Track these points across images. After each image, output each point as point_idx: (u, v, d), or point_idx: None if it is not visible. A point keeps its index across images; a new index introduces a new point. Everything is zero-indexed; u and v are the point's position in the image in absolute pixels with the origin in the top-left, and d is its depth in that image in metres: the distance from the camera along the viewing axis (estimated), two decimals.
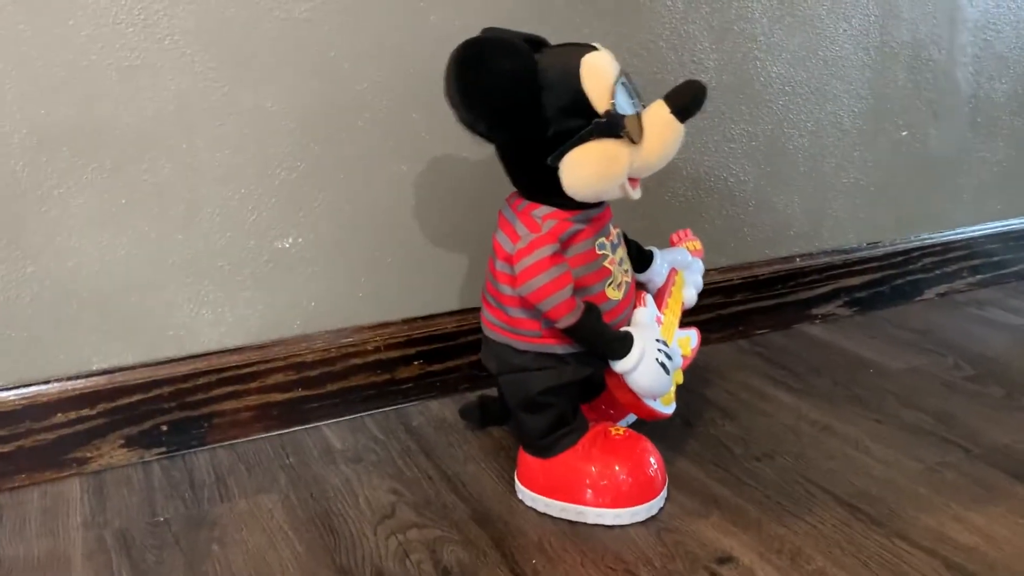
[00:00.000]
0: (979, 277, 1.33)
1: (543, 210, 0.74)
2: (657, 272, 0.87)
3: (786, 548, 0.72)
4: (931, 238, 1.28)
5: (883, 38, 1.16)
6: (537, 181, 0.74)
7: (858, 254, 1.23)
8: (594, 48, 0.72)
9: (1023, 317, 1.21)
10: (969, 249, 1.31)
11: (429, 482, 0.84)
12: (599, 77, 0.70)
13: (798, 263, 1.18)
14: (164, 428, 0.90)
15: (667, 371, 0.74)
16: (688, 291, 0.88)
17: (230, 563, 0.73)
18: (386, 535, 0.76)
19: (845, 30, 1.14)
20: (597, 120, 0.70)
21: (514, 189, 0.78)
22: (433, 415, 0.97)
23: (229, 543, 0.76)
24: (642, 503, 0.76)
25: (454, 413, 0.97)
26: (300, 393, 0.94)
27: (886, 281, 1.25)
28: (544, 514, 0.78)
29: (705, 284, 1.10)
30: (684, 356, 0.83)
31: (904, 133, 1.22)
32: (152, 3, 0.81)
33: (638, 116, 0.72)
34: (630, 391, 0.75)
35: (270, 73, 0.86)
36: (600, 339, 0.73)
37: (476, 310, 1.00)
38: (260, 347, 0.92)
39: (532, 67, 0.69)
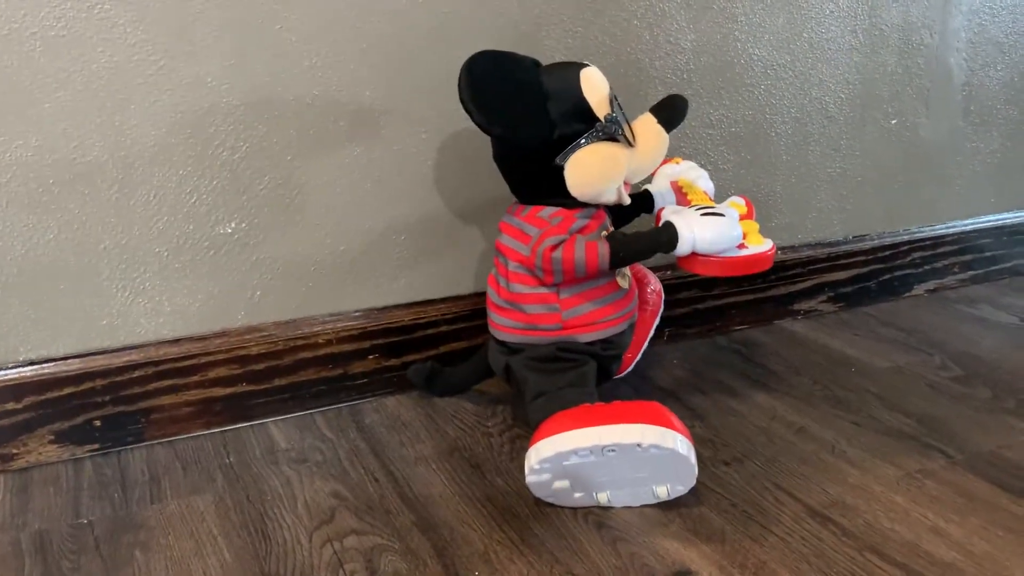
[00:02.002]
0: (970, 273, 1.27)
1: (548, 210, 0.79)
2: (662, 196, 0.88)
3: (750, 562, 0.67)
4: (920, 231, 1.22)
5: (872, 20, 1.11)
6: (541, 182, 0.79)
7: (843, 247, 1.17)
8: (587, 64, 0.79)
9: (1015, 315, 1.16)
10: (960, 244, 1.25)
11: (375, 484, 0.79)
12: (597, 87, 0.77)
13: (780, 256, 1.13)
14: (97, 423, 0.84)
15: (723, 216, 0.74)
16: (701, 183, 0.88)
17: (151, 571, 0.68)
18: (321, 542, 0.70)
19: (832, 11, 1.08)
20: (599, 124, 0.76)
21: (513, 201, 0.83)
22: (388, 412, 0.92)
23: (153, 548, 0.70)
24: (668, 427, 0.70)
25: (410, 410, 0.92)
26: (244, 388, 0.89)
27: (873, 276, 1.20)
28: (492, 522, 0.72)
29: (681, 278, 1.05)
30: (737, 208, 0.80)
31: (893, 121, 1.17)
32: None
33: (629, 125, 0.78)
34: (712, 258, 0.75)
35: (211, 46, 0.81)
36: (644, 243, 0.77)
37: (435, 302, 0.96)
38: (201, 339, 0.87)
39: (538, 77, 0.78)
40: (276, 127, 0.85)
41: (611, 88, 0.79)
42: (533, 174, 0.79)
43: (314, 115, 0.86)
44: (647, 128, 0.79)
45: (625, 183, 0.81)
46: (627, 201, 0.82)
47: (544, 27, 0.93)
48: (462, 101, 0.75)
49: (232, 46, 0.82)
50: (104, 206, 0.81)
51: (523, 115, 0.76)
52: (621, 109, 0.78)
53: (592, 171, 0.77)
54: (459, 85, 0.75)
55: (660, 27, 0.99)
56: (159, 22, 0.79)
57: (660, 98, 1.00)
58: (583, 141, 0.76)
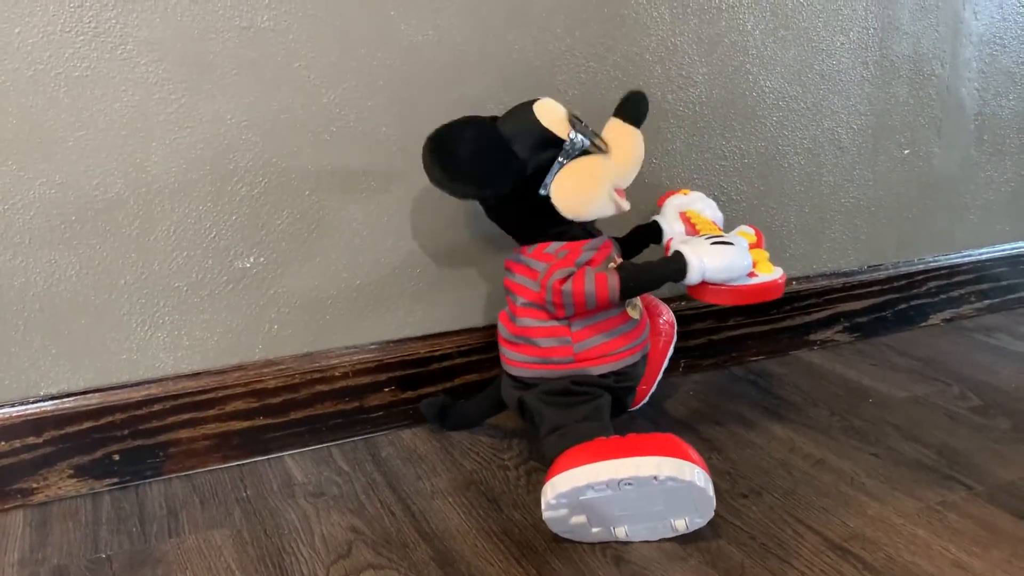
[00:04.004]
0: (987, 302, 1.27)
1: (554, 245, 0.80)
2: (671, 227, 0.88)
3: None
4: (936, 261, 1.22)
5: (883, 52, 1.11)
6: (535, 220, 0.80)
7: (859, 277, 1.17)
8: (536, 99, 0.80)
9: None
10: (976, 272, 1.25)
11: (392, 518, 0.79)
12: (553, 112, 0.79)
13: (795, 286, 1.13)
14: (116, 457, 0.85)
15: (732, 244, 0.75)
16: (709, 213, 0.88)
17: None
18: None
19: (843, 43, 1.09)
20: (565, 144, 0.78)
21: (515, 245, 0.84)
22: (404, 445, 0.92)
23: None
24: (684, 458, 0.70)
25: (426, 443, 0.92)
26: (261, 421, 0.89)
27: (888, 306, 1.19)
28: (510, 556, 0.72)
29: (696, 308, 1.05)
30: (746, 237, 0.80)
31: (906, 151, 1.17)
32: (103, 11, 0.77)
33: (598, 135, 0.79)
34: (723, 287, 0.75)
35: (230, 84, 0.82)
36: (654, 273, 0.77)
37: (450, 334, 0.96)
38: (219, 372, 0.88)
39: (493, 128, 0.79)
40: (294, 163, 0.86)
41: (569, 109, 0.80)
42: (526, 215, 0.81)
43: (331, 151, 0.87)
44: (616, 131, 0.80)
45: (618, 190, 0.81)
46: (626, 207, 0.81)
47: (557, 63, 0.94)
48: (435, 180, 0.77)
49: (251, 84, 0.83)
50: (125, 242, 0.82)
51: (494, 167, 0.78)
52: (582, 123, 0.79)
53: (576, 188, 0.78)
54: (425, 166, 0.77)
55: (672, 61, 1.00)
56: (179, 62, 0.80)
57: (672, 130, 1.01)
58: (557, 165, 0.78)
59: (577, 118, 0.80)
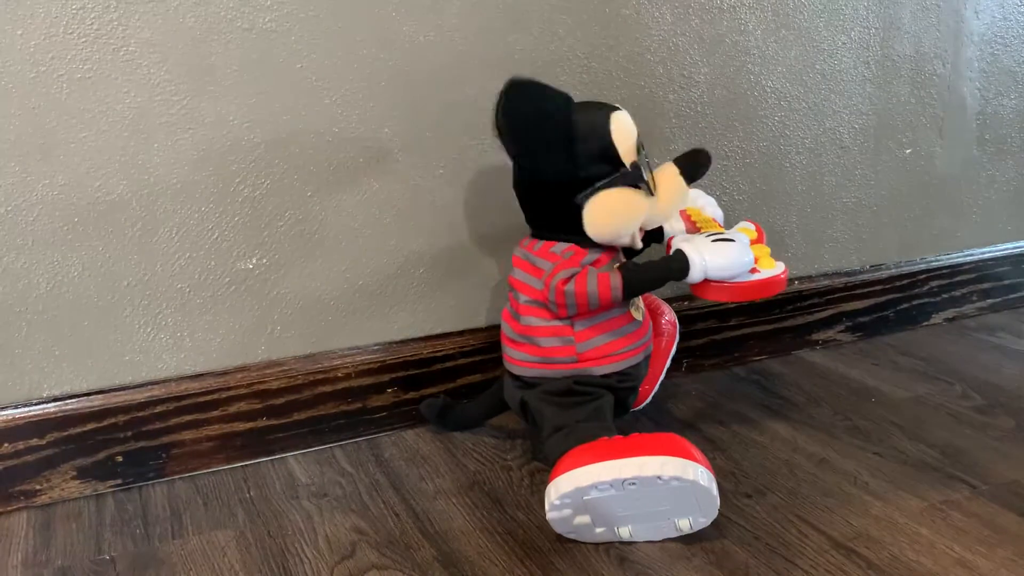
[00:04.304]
0: (989, 301, 1.27)
1: (561, 246, 0.79)
2: (671, 225, 0.88)
3: None
4: (938, 260, 1.22)
5: (884, 52, 1.11)
6: (559, 218, 0.79)
7: (861, 277, 1.17)
8: (618, 108, 0.79)
9: None
10: (978, 272, 1.25)
11: (395, 519, 0.78)
12: (626, 133, 0.78)
13: (797, 286, 1.13)
14: (119, 459, 0.85)
15: (733, 241, 0.75)
16: (710, 211, 0.88)
17: None
18: None
19: (844, 43, 1.09)
20: (624, 170, 0.77)
21: (526, 235, 0.83)
22: (407, 446, 0.92)
23: None
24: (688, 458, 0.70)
25: (429, 443, 0.92)
26: (265, 423, 0.89)
27: (890, 305, 1.19)
28: (514, 556, 0.72)
29: (698, 308, 1.05)
30: (747, 233, 0.80)
31: (908, 151, 1.17)
32: (105, 12, 0.77)
33: (652, 173, 0.79)
34: (725, 284, 0.75)
35: (232, 85, 0.82)
36: (656, 272, 0.77)
37: (452, 335, 0.96)
38: (222, 374, 0.88)
39: (569, 114, 0.77)
40: (296, 164, 0.86)
41: (639, 135, 0.79)
42: (551, 209, 0.79)
43: (333, 151, 0.87)
44: (669, 179, 0.79)
45: (640, 229, 0.81)
46: (639, 246, 0.82)
47: (559, 63, 0.94)
48: (495, 126, 0.76)
49: (253, 85, 0.83)
50: (127, 243, 0.82)
51: (550, 150, 0.77)
52: (647, 157, 0.78)
53: (612, 215, 0.77)
54: (494, 110, 0.76)
55: (674, 61, 1.00)
56: (182, 63, 0.80)
57: (673, 130, 1.01)
58: (605, 184, 0.77)
59: (643, 149, 0.79)
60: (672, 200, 0.80)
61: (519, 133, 0.77)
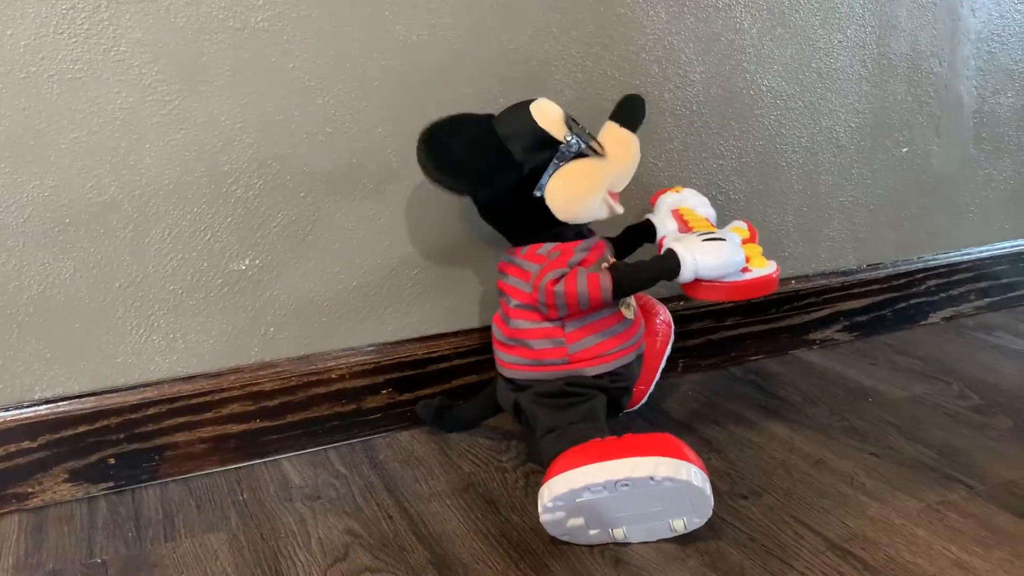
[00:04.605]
0: (987, 300, 1.26)
1: (547, 247, 0.80)
2: (663, 225, 0.88)
3: None
4: (935, 259, 1.22)
5: (880, 50, 1.11)
6: (529, 221, 0.80)
7: (858, 276, 1.16)
8: (534, 99, 0.80)
9: None
10: (976, 271, 1.24)
11: (389, 521, 0.78)
12: (550, 114, 0.79)
13: (793, 285, 1.12)
14: (112, 461, 0.84)
15: (724, 240, 0.75)
16: (702, 210, 0.88)
17: None
18: None
19: (840, 41, 1.08)
20: (561, 146, 0.77)
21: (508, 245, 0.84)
22: (402, 448, 0.92)
23: None
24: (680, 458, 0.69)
25: (424, 445, 0.92)
26: (258, 424, 0.89)
27: (888, 305, 1.19)
28: (508, 559, 0.72)
29: (694, 308, 1.05)
30: (739, 232, 0.80)
31: (905, 149, 1.17)
32: (96, 12, 0.77)
33: (593, 138, 0.79)
34: (717, 284, 0.75)
35: (224, 85, 0.82)
36: (647, 272, 0.77)
37: (447, 335, 0.96)
38: (215, 375, 0.87)
39: (489, 126, 0.79)
40: (289, 164, 0.86)
41: (565, 111, 0.79)
42: (519, 215, 0.80)
43: (327, 152, 0.87)
44: (612, 135, 0.80)
45: (612, 193, 0.81)
46: (619, 210, 0.82)
47: (553, 63, 0.94)
48: (428, 174, 0.78)
49: (245, 85, 0.83)
50: (119, 245, 0.82)
51: (489, 167, 0.78)
52: (579, 125, 0.79)
53: (571, 191, 0.78)
54: (419, 160, 0.77)
55: (669, 60, 0.99)
56: (173, 63, 0.80)
57: (669, 129, 1.01)
58: (552, 167, 0.78)
59: (574, 120, 0.79)
60: (624, 152, 0.80)
61: (454, 169, 0.78)
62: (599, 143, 0.79)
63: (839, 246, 1.15)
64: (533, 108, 0.79)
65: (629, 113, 0.81)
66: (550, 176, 0.78)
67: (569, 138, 0.77)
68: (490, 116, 0.81)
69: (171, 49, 0.80)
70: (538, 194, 0.78)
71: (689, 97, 1.02)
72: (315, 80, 0.85)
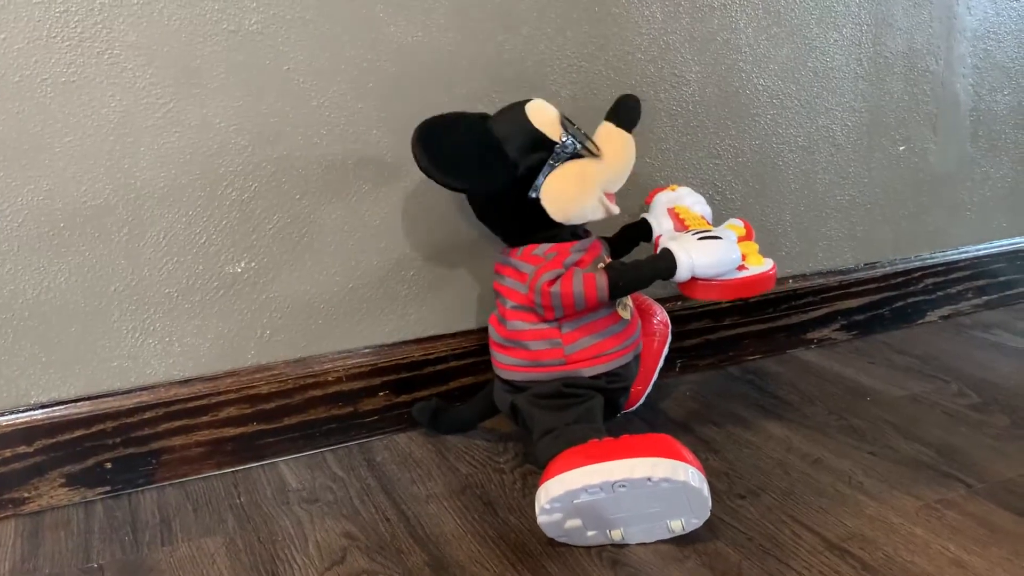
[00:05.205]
0: (985, 298, 1.26)
1: (542, 247, 0.80)
2: (659, 224, 0.88)
3: None
4: (932, 258, 1.22)
5: (876, 48, 1.11)
6: (524, 221, 0.80)
7: (855, 275, 1.16)
8: (530, 99, 0.80)
9: None
10: (974, 269, 1.24)
11: (386, 524, 0.78)
12: (545, 113, 0.79)
13: (791, 285, 1.12)
14: (108, 465, 0.84)
15: (720, 238, 0.75)
16: (698, 209, 0.88)
17: None
18: None
19: (836, 40, 1.08)
20: (557, 146, 0.77)
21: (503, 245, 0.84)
22: (399, 450, 0.91)
23: None
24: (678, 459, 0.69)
25: (421, 447, 0.91)
26: (255, 427, 0.88)
27: (885, 303, 1.19)
28: (505, 560, 0.71)
29: (692, 307, 1.05)
30: (735, 230, 0.80)
31: (902, 148, 1.16)
32: (89, 16, 0.77)
33: (590, 138, 0.79)
34: (713, 282, 0.75)
35: (218, 88, 0.82)
36: (643, 272, 0.77)
37: (444, 337, 0.96)
38: (211, 379, 0.87)
39: (485, 126, 0.79)
40: (284, 166, 0.86)
41: (560, 111, 0.79)
42: (514, 216, 0.80)
43: (322, 154, 0.87)
44: (608, 135, 0.80)
45: (608, 194, 0.81)
46: (615, 211, 0.81)
47: (548, 63, 0.94)
48: (423, 170, 0.76)
49: (239, 88, 0.82)
50: (114, 248, 0.82)
51: (484, 166, 0.78)
52: (574, 125, 0.79)
53: (566, 192, 0.78)
54: (415, 156, 0.76)
55: (664, 60, 0.99)
56: (167, 66, 0.80)
57: (665, 129, 1.00)
58: (548, 168, 0.77)
59: (569, 120, 0.79)
60: (619, 153, 0.80)
61: (449, 167, 0.77)
62: (595, 144, 0.79)
63: (836, 245, 1.15)
64: (528, 108, 0.79)
65: (625, 113, 0.81)
66: (545, 177, 0.78)
67: (564, 139, 0.77)
68: (485, 116, 0.81)
69: (165, 52, 0.79)
70: (533, 195, 0.78)
71: (685, 97, 1.01)
72: (310, 82, 0.85)
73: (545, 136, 0.78)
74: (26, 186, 0.78)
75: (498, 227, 0.83)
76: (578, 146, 0.78)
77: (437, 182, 0.78)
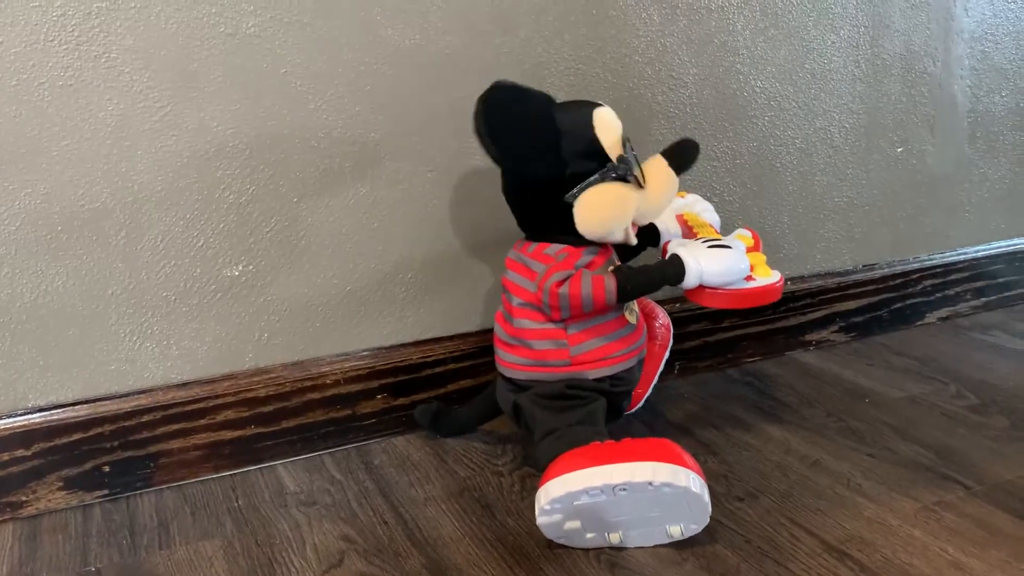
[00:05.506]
0: (983, 300, 1.26)
1: (554, 247, 0.79)
2: (668, 230, 0.87)
3: None
4: (931, 259, 1.22)
5: (874, 50, 1.11)
6: (550, 219, 0.79)
7: (853, 277, 1.16)
8: (601, 104, 0.79)
9: None
10: (972, 270, 1.24)
11: (384, 527, 0.78)
12: (610, 128, 0.77)
13: (790, 287, 1.12)
14: (106, 469, 0.84)
15: (730, 248, 0.75)
16: (707, 216, 0.87)
17: None
18: None
19: (834, 42, 1.08)
20: (611, 164, 0.76)
21: (520, 237, 0.83)
22: (397, 453, 0.91)
23: None
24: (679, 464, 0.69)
25: (419, 450, 0.91)
26: (253, 431, 0.88)
27: (884, 305, 1.19)
28: (503, 563, 0.71)
29: (691, 310, 1.05)
30: (743, 241, 0.80)
31: (899, 149, 1.17)
32: (86, 19, 0.76)
33: (640, 166, 0.78)
34: (720, 291, 0.75)
35: (216, 91, 0.82)
36: (651, 277, 0.77)
37: (443, 339, 0.96)
38: (209, 382, 0.87)
39: (552, 114, 0.77)
40: (282, 170, 0.86)
41: (624, 129, 0.78)
42: (542, 210, 0.79)
43: (319, 157, 0.87)
44: (658, 171, 0.78)
45: (633, 224, 0.80)
46: (633, 241, 0.81)
47: (546, 66, 0.94)
48: (476, 132, 0.76)
49: (236, 91, 0.82)
50: (111, 252, 0.81)
51: (535, 151, 0.76)
52: (633, 151, 0.77)
53: (602, 211, 0.77)
54: (475, 115, 0.75)
55: (662, 62, 0.99)
56: (164, 69, 0.80)
57: (663, 131, 1.00)
58: (594, 180, 0.76)
59: (629, 143, 0.78)
60: (662, 192, 0.79)
61: (503, 137, 0.76)
62: (643, 173, 0.78)
63: (834, 247, 1.15)
64: (596, 115, 0.77)
65: (680, 155, 0.78)
66: (587, 188, 0.76)
67: (620, 161, 0.76)
68: (551, 100, 0.79)
69: (162, 55, 0.79)
70: (570, 200, 0.77)
71: (682, 99, 1.01)
72: (307, 85, 0.85)
73: (603, 150, 0.76)
74: (23, 190, 0.78)
75: (519, 211, 0.82)
76: (628, 171, 0.76)
77: (484, 146, 0.77)
